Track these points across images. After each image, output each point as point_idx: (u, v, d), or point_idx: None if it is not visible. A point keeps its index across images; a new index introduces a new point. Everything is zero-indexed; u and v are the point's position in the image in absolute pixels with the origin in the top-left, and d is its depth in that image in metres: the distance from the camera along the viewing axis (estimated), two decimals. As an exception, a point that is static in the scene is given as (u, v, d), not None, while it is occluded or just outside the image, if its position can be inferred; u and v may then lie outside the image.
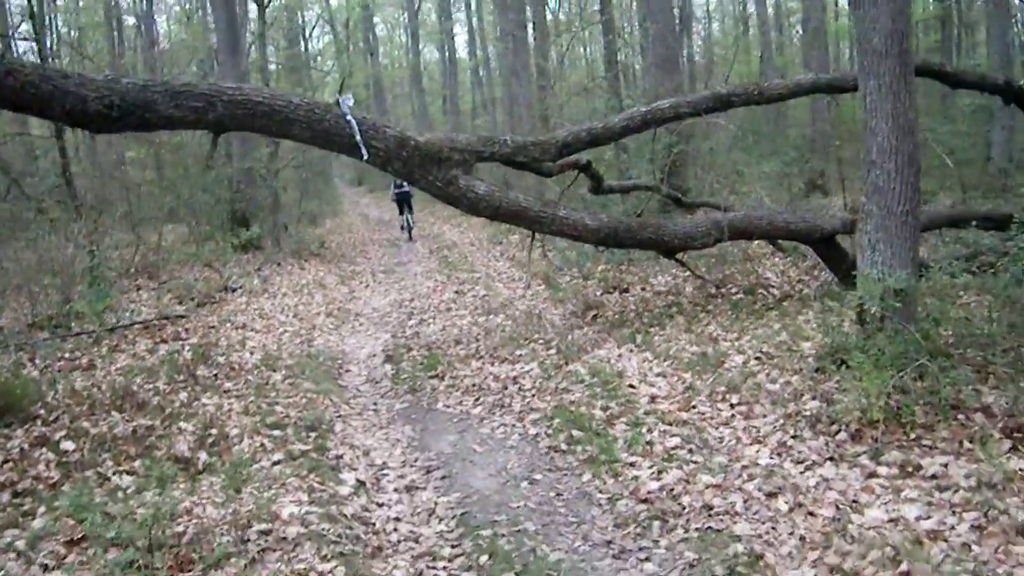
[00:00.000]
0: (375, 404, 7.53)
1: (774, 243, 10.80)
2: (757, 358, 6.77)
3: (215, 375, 8.17)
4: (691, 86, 21.18)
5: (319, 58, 49.67)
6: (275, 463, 5.72)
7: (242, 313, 11.51)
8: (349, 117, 7.61)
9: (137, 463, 5.81)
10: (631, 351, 7.77)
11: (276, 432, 6.37)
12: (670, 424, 5.77)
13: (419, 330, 10.17)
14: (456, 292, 12.30)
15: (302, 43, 45.10)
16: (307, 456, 5.83)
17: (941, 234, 9.95)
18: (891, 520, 4.11)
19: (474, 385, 7.52)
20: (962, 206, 9.79)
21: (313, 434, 6.34)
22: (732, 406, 5.95)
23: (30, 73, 6.76)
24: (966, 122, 15.85)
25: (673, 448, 5.35)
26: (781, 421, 5.46)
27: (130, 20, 42.25)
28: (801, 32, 33.29)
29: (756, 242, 10.81)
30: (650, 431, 5.68)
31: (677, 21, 22.20)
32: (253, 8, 23.59)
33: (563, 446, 5.77)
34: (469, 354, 8.54)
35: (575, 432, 5.87)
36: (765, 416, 5.64)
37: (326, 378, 8.20)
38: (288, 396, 7.38)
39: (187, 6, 42.41)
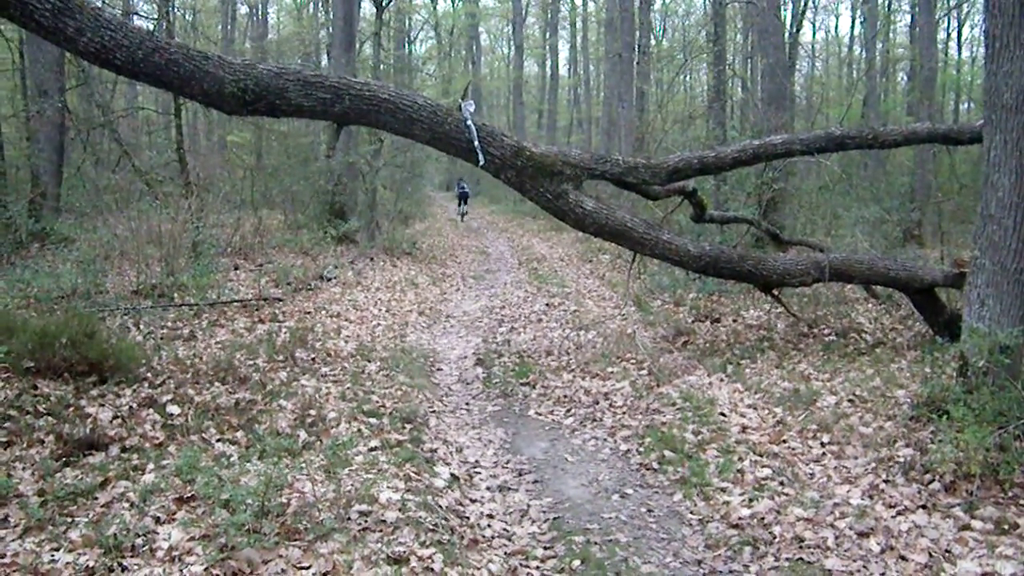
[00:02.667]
0: (467, 404, 7.71)
1: (869, 289, 10.74)
2: (850, 400, 6.79)
3: (312, 359, 8.42)
4: (791, 123, 21.08)
5: (423, 62, 50.29)
6: (372, 449, 5.90)
7: (336, 303, 11.79)
8: (469, 122, 7.82)
9: (240, 434, 6.04)
10: (722, 380, 7.82)
11: (372, 420, 6.56)
12: (761, 455, 5.83)
13: (510, 337, 10.33)
14: (547, 304, 12.46)
15: (407, 46, 45.82)
16: (403, 446, 5.99)
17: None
18: (985, 574, 4.13)
19: (565, 396, 7.66)
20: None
21: (408, 426, 6.51)
22: (823, 444, 5.99)
23: (175, 52, 7.11)
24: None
25: (764, 478, 5.41)
26: (873, 464, 5.48)
27: (243, 8, 43.43)
28: (907, 79, 32.91)
29: (849, 286, 10.78)
30: (741, 459, 5.74)
31: (787, 58, 22.13)
32: (367, 7, 24.16)
33: (654, 465, 5.87)
34: (560, 366, 8.68)
35: (667, 452, 5.96)
36: (857, 458, 5.67)
37: (420, 373, 8.41)
38: (383, 387, 7.58)
39: (299, 0, 43.41)
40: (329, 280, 13.55)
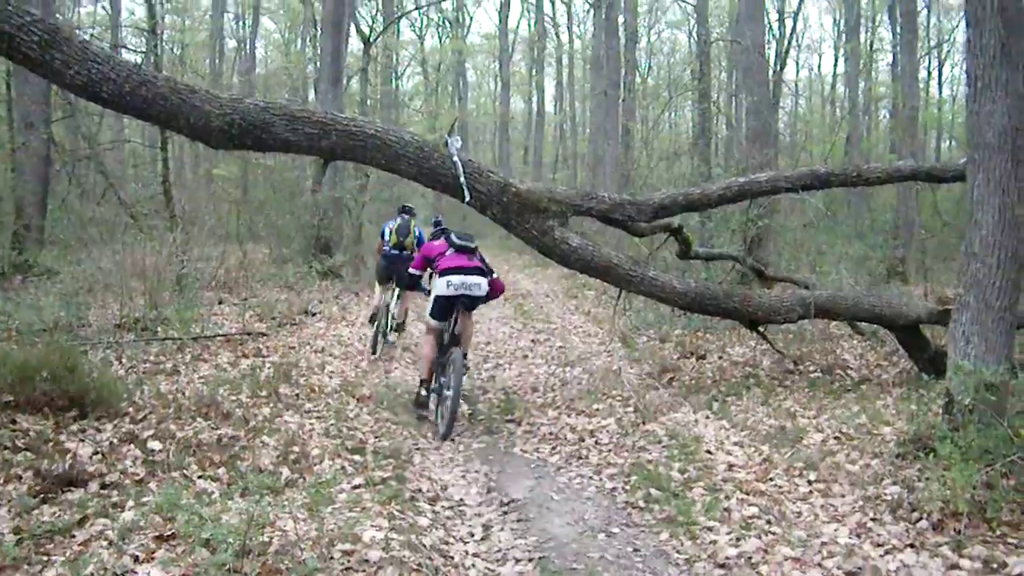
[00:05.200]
0: (452, 441, 7.64)
1: (854, 325, 10.77)
2: (836, 438, 6.77)
3: (296, 395, 8.36)
4: (775, 160, 21.22)
5: (410, 98, 50.55)
6: (355, 487, 5.84)
7: (321, 337, 11.74)
8: (456, 159, 7.82)
9: (222, 471, 5.97)
10: (707, 418, 7.79)
11: (356, 457, 6.51)
12: (748, 493, 5.79)
13: (495, 374, 10.29)
14: (532, 341, 12.43)
15: (394, 81, 46.06)
16: (387, 484, 5.93)
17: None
18: (974, 615, 4.10)
19: (551, 434, 7.61)
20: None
21: (392, 463, 6.46)
22: (810, 483, 5.95)
23: (162, 86, 7.09)
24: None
25: (751, 517, 5.37)
26: (861, 503, 5.45)
27: (231, 43, 43.68)
28: (889, 116, 33.23)
29: (834, 323, 10.81)
30: (728, 498, 5.70)
31: (771, 95, 22.33)
32: (355, 43, 24.28)
33: (640, 503, 5.81)
34: (546, 403, 8.65)
35: (653, 490, 5.91)
36: (844, 496, 5.63)
37: (404, 410, 8.34)
38: (367, 424, 7.54)
39: (287, 35, 43.69)
40: (314, 315, 13.52)
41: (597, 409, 8.21)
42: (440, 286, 8.18)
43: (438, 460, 7.01)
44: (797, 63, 45.58)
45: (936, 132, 37.22)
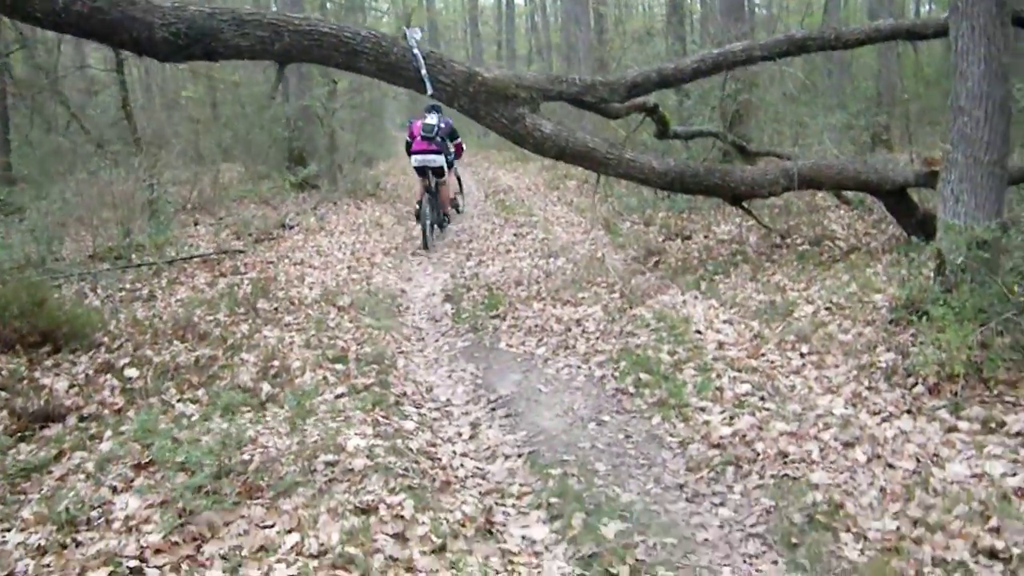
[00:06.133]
0: (436, 341, 7.49)
1: (839, 195, 10.57)
2: (827, 308, 6.61)
3: (275, 308, 8.17)
4: (752, 35, 20.69)
5: (412, 12, 49.38)
6: (338, 396, 5.69)
7: (300, 250, 11.51)
8: (416, 51, 7.48)
9: (200, 392, 5.82)
10: (696, 298, 7.63)
11: (338, 366, 6.35)
12: (739, 371, 5.65)
13: (478, 271, 10.09)
14: (515, 235, 12.18)
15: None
16: (370, 390, 5.79)
17: (1019, 190, 9.64)
18: (975, 475, 3.98)
19: (537, 326, 7.44)
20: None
21: (375, 368, 6.31)
22: (802, 355, 5.82)
23: (99, -1, 6.70)
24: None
25: (744, 395, 5.24)
26: (855, 372, 5.32)
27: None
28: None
29: (820, 194, 10.60)
30: (719, 377, 5.57)
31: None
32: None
33: (630, 389, 5.68)
34: (530, 295, 8.45)
35: (642, 375, 5.77)
36: (838, 367, 5.50)
37: (387, 315, 8.17)
38: (349, 331, 7.37)
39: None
40: (291, 228, 13.24)
41: (583, 298, 8.04)
42: (412, 161, 12.32)
43: (423, 362, 6.86)
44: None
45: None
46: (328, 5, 22.77)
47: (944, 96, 5.95)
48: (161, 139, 17.31)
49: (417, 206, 12.40)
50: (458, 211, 14.54)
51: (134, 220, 11.78)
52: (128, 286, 9.54)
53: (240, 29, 7.11)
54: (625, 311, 7.40)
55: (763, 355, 5.93)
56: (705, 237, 10.22)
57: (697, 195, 9.96)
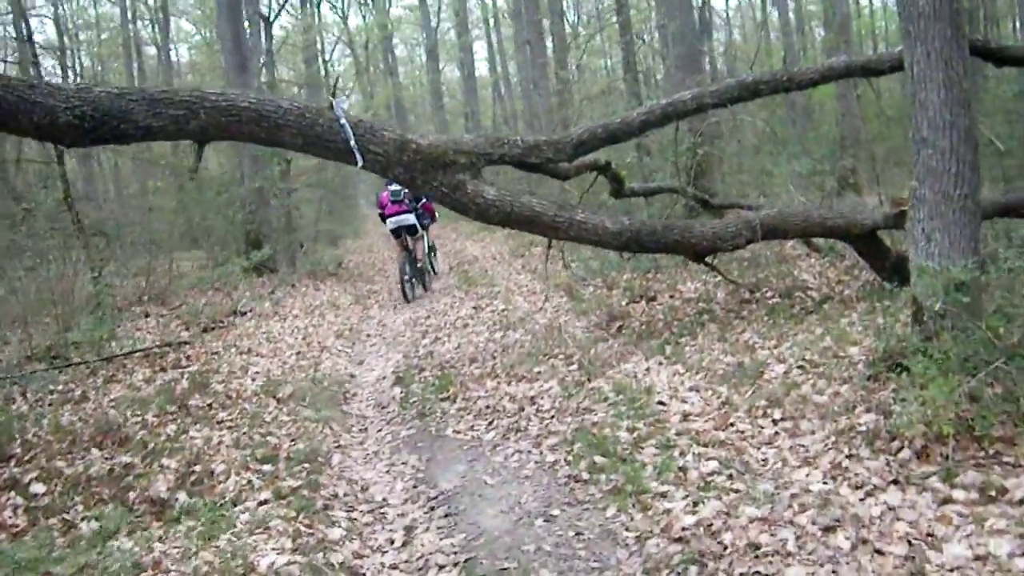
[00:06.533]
0: (379, 431, 6.87)
1: (809, 243, 10.10)
2: (800, 367, 6.04)
3: (209, 405, 7.57)
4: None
5: (339, 79, 49.42)
6: (261, 503, 5.10)
7: (249, 337, 10.93)
8: (343, 121, 6.99)
9: (110, 507, 5.21)
10: (660, 364, 7.06)
11: (266, 467, 5.75)
12: (706, 445, 5.07)
13: (433, 349, 9.51)
14: (474, 308, 11.62)
15: (320, 63, 44.90)
16: (297, 494, 5.19)
17: (992, 224, 9.17)
18: (977, 557, 3.40)
19: (488, 407, 6.82)
20: (1014, 193, 8.98)
21: (307, 468, 5.70)
22: (775, 422, 5.24)
23: (-8, 85, 6.20)
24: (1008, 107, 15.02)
25: (710, 474, 4.64)
26: (833, 438, 4.74)
27: (151, 50, 42.33)
28: (823, 33, 32.57)
29: (790, 243, 10.15)
30: (683, 454, 4.97)
31: (696, 23, 21.56)
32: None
33: (584, 475, 5.05)
34: (484, 373, 7.85)
35: (598, 458, 5.15)
36: (814, 432, 4.93)
37: (329, 404, 7.56)
38: (284, 426, 6.77)
39: (205, 33, 42.52)
40: (244, 314, 12.67)
41: (539, 372, 7.43)
42: (388, 224, 13.70)
43: (361, 456, 6.22)
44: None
45: (872, 41, 36.52)
46: (282, 85, 22.47)
47: (908, 133, 5.48)
48: (115, 228, 16.77)
49: (397, 266, 14.11)
50: (434, 272, 15.93)
51: (73, 316, 11.21)
52: (61, 387, 8.96)
53: (152, 109, 6.61)
54: (583, 384, 6.81)
55: (732, 425, 5.35)
56: (671, 297, 9.68)
57: (657, 254, 9.46)
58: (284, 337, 10.87)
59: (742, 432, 5.20)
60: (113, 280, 13.82)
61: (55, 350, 10.34)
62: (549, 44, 25.14)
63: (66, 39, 44.17)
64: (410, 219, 13.52)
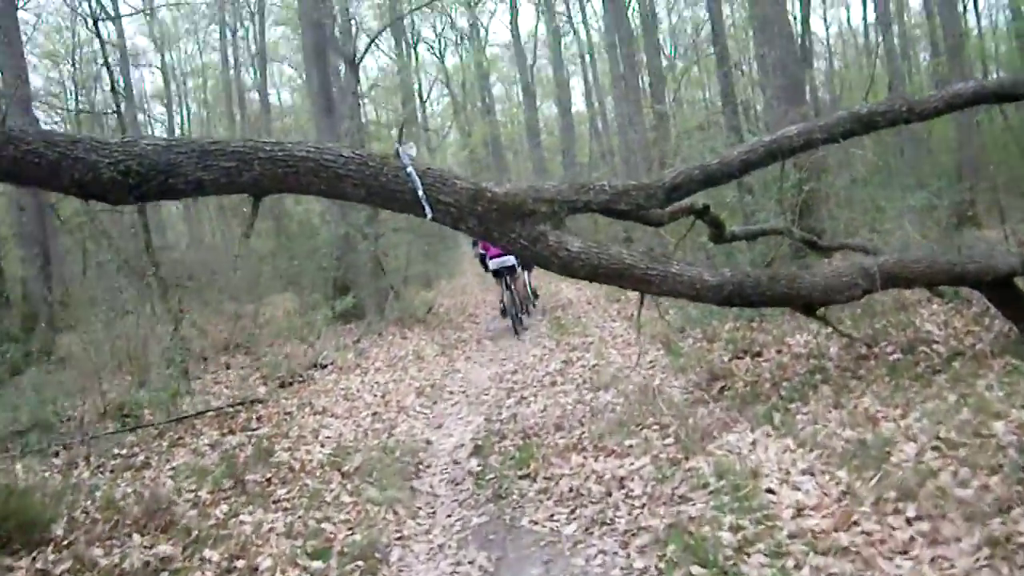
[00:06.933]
0: (449, 516, 6.11)
1: (931, 287, 9.12)
2: (934, 448, 5.10)
3: (268, 480, 6.95)
4: (812, 119, 19.44)
5: (439, 119, 49.62)
6: (304, 615, 4.43)
7: (326, 394, 10.37)
8: (410, 169, 6.36)
9: (137, 617, 4.60)
10: (768, 436, 6.20)
11: (317, 563, 5.09)
12: (825, 554, 4.19)
13: (517, 411, 8.76)
14: (564, 362, 10.82)
15: (418, 102, 45.04)
16: (346, 604, 4.51)
17: None
18: None
19: (571, 490, 5.98)
20: None
21: (361, 567, 5.02)
22: (909, 522, 4.34)
23: (32, 140, 5.73)
24: None
25: (832, 597, 3.81)
26: (985, 550, 3.86)
27: (254, 95, 43.09)
28: (928, 56, 31.14)
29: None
30: (798, 567, 4.12)
31: (797, 51, 20.61)
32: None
33: (677, 592, 4.26)
34: (569, 445, 7.01)
35: (695, 569, 4.34)
36: (959, 540, 4.03)
37: (398, 479, 6.83)
38: (345, 508, 6.10)
39: (299, 77, 43.18)
40: (325, 367, 12.15)
41: (630, 447, 6.57)
42: (491, 265, 14.85)
43: (424, 551, 5.45)
44: (825, 20, 43.23)
45: (982, 65, 34.79)
46: (371, 128, 22.18)
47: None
48: (198, 276, 16.58)
49: (501, 305, 15.44)
50: (534, 306, 17.00)
51: (148, 372, 10.85)
52: (125, 451, 8.52)
53: (202, 161, 6.09)
54: (679, 463, 5.96)
55: (855, 524, 4.47)
56: (778, 352, 8.76)
57: (762, 307, 8.60)
58: (362, 395, 10.27)
59: (869, 535, 4.32)
60: (195, 330, 13.51)
61: (127, 408, 9.96)
62: (645, 77, 24.50)
63: (172, 86, 45.48)
64: (511, 260, 14.32)
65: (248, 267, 16.57)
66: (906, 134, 17.32)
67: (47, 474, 7.91)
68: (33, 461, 8.21)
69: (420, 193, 6.34)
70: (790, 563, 4.17)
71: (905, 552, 4.10)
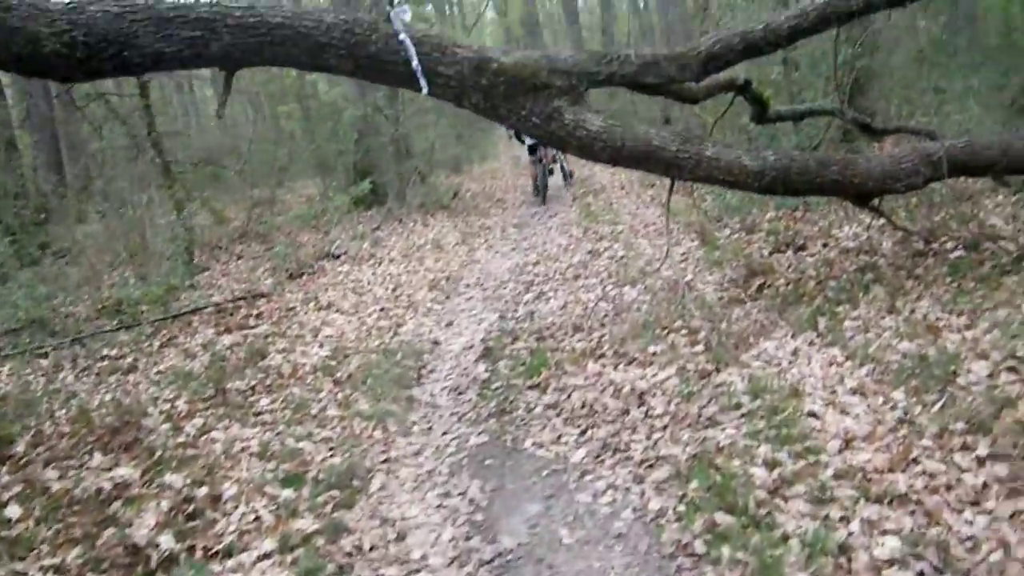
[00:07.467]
0: (444, 434, 5.41)
1: (998, 176, 8.15)
2: (1010, 368, 4.29)
3: (252, 387, 6.32)
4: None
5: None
6: (259, 558, 3.78)
7: (334, 287, 9.71)
8: (403, 36, 5.51)
9: (74, 552, 3.98)
10: (811, 344, 5.43)
11: (287, 492, 4.43)
12: (879, 502, 3.45)
13: (535, 307, 8.01)
14: (589, 252, 9.96)
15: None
16: (310, 545, 3.85)
17: None
18: None
19: (583, 404, 5.24)
20: None
21: (336, 497, 4.36)
22: (980, 462, 3.57)
23: (-45, 6, 4.95)
24: None
25: (888, 563, 3.07)
26: (1080, 503, 3.11)
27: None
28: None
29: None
30: (845, 519, 3.38)
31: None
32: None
33: (698, 545, 3.51)
34: (587, 350, 6.23)
35: (720, 516, 3.59)
36: (1047, 489, 3.29)
37: (394, 388, 6.13)
38: (330, 424, 5.45)
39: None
40: (337, 257, 11.46)
41: (654, 354, 5.80)
42: (527, 142, 14.68)
43: (410, 478, 4.73)
44: None
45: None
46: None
47: None
48: (221, 161, 15.87)
49: (534, 184, 15.86)
50: (567, 180, 17.06)
51: (150, 265, 10.23)
52: (116, 352, 7.94)
53: (161, 30, 5.29)
54: (709, 376, 5.21)
55: (915, 462, 3.71)
56: (824, 246, 7.87)
57: (810, 196, 7.72)
58: (373, 287, 9.59)
59: (932, 478, 3.56)
60: (212, 218, 12.88)
61: (125, 303, 9.36)
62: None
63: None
64: None
65: (264, 151, 15.81)
66: (958, 10, 15.97)
67: (31, 377, 7.40)
68: (19, 363, 7.69)
69: (415, 64, 5.50)
70: (835, 513, 3.43)
71: (976, 503, 3.35)
